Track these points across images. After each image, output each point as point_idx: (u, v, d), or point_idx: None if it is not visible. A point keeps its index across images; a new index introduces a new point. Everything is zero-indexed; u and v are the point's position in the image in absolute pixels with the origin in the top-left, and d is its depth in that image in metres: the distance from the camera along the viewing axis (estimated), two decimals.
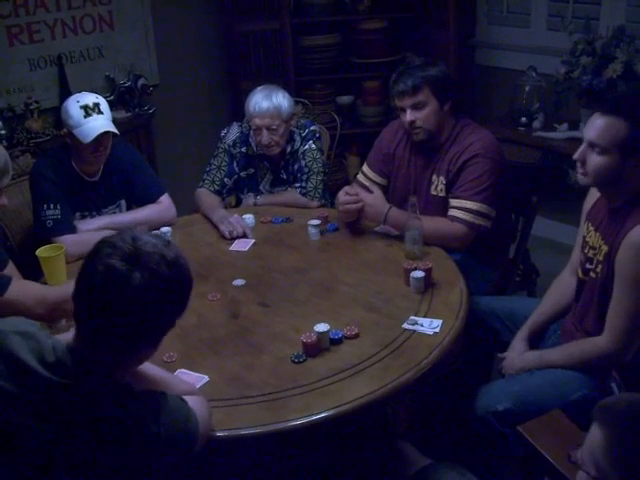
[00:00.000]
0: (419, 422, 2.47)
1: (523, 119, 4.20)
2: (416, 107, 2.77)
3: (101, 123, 2.73)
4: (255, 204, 3.20)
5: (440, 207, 2.83)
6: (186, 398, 1.61)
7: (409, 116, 2.78)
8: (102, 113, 2.76)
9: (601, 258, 2.19)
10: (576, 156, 2.17)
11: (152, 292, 1.42)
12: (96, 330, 1.45)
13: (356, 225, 2.84)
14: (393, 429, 2.17)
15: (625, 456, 1.21)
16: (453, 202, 2.76)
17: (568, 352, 2.26)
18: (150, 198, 2.98)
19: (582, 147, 2.15)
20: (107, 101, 2.90)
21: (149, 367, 1.71)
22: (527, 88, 4.24)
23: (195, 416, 1.58)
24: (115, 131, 2.79)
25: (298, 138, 3.21)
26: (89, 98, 2.77)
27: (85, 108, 2.72)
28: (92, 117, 2.72)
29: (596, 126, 2.09)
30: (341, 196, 2.82)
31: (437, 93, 2.77)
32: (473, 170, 2.74)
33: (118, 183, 2.94)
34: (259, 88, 3.16)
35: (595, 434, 1.25)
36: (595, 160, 2.10)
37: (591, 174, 2.13)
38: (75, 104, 2.74)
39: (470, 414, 2.25)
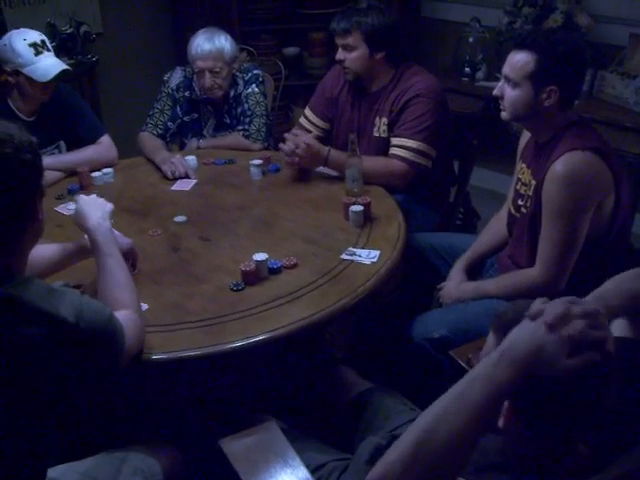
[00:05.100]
0: (359, 350, 2.52)
1: (467, 70, 4.25)
2: (345, 48, 2.83)
3: (56, 61, 2.72)
4: (198, 147, 3.19)
5: (382, 148, 2.85)
6: (117, 314, 1.58)
7: (338, 54, 2.87)
8: (50, 50, 2.74)
9: (531, 193, 2.25)
10: (495, 91, 2.24)
11: None
12: None
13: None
14: (334, 354, 2.21)
15: None
16: (394, 141, 2.79)
17: (503, 283, 2.33)
18: (90, 139, 2.93)
19: (500, 83, 2.22)
20: None
21: None
22: (471, 39, 4.29)
23: (121, 325, 1.55)
24: (70, 68, 2.79)
25: (241, 82, 3.20)
26: (34, 35, 2.71)
27: (34, 46, 2.67)
28: (44, 55, 2.69)
29: (510, 61, 2.17)
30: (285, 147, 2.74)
31: (368, 40, 2.79)
32: (414, 110, 2.77)
33: (56, 123, 2.88)
34: (201, 30, 3.14)
35: (490, 338, 1.30)
36: (510, 94, 2.18)
37: (508, 108, 2.21)
38: (22, 42, 2.66)
39: (408, 342, 2.30)
